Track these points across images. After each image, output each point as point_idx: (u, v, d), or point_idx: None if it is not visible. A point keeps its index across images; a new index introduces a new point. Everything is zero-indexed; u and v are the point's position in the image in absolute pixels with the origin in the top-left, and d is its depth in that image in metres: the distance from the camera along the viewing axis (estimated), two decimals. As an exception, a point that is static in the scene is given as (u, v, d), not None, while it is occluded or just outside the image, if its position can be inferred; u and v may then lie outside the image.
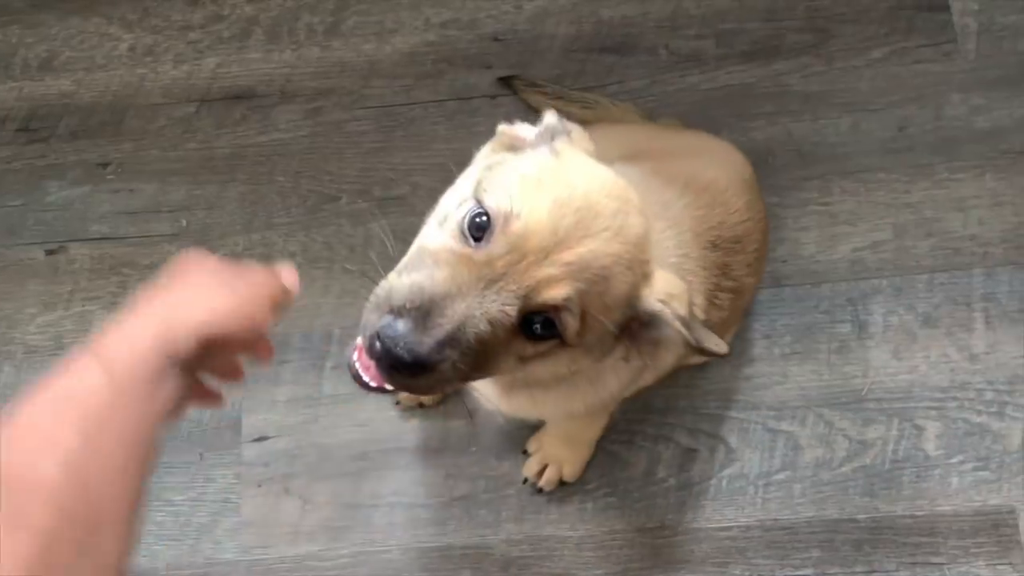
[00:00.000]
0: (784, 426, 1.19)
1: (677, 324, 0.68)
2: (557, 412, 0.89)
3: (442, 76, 1.38)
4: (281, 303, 0.66)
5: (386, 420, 1.22)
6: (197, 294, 0.62)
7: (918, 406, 1.19)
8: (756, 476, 1.17)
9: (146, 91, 1.41)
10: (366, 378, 0.65)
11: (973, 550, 1.13)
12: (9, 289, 1.33)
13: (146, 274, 1.32)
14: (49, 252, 1.34)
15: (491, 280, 0.61)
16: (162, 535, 1.20)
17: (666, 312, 0.68)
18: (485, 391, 0.87)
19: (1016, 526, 1.13)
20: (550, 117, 0.74)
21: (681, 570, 1.14)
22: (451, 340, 0.59)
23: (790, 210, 1.27)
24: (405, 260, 0.67)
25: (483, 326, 0.60)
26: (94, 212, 1.36)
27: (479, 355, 0.61)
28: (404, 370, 0.59)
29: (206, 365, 0.62)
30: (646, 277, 0.68)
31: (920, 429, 1.18)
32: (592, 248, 0.63)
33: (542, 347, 0.65)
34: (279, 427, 1.23)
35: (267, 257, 1.31)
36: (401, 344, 0.58)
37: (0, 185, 1.38)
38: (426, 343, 0.58)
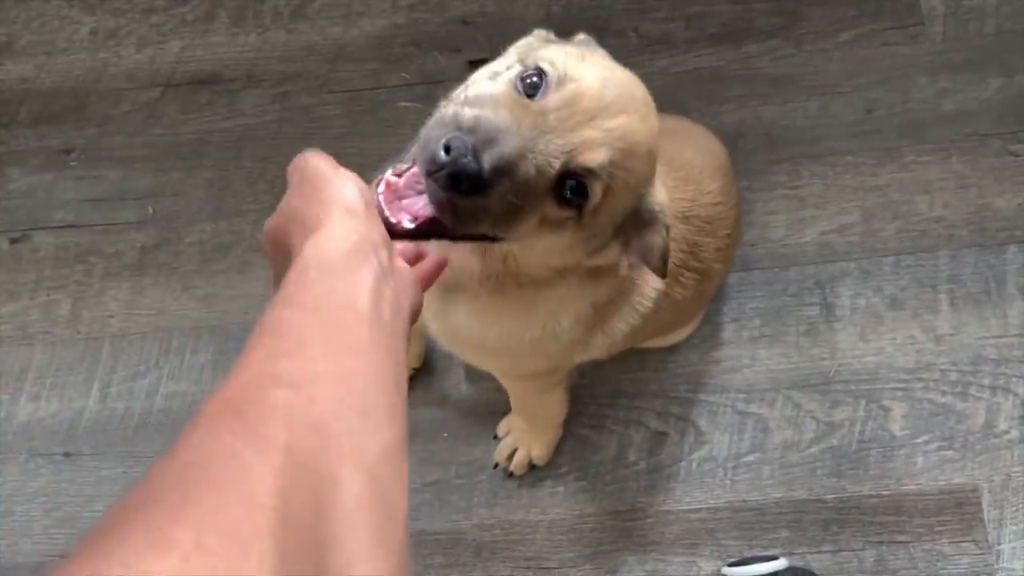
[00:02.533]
0: (753, 408, 1.20)
1: (664, 232, 0.72)
2: (500, 337, 0.85)
3: (411, 59, 1.37)
4: None
5: (357, 407, 1.22)
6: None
7: (884, 387, 1.20)
8: (725, 458, 1.18)
9: (109, 76, 1.39)
10: (388, 214, 0.62)
11: (937, 528, 1.15)
12: (-28, 278, 1.31)
13: (112, 262, 1.30)
14: (12, 241, 1.32)
15: (544, 130, 0.63)
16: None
17: (663, 216, 0.72)
18: (434, 305, 0.85)
19: (979, 504, 1.15)
20: (583, 36, 0.79)
21: (652, 552, 1.15)
22: (509, 168, 0.60)
23: (759, 193, 1.28)
24: (462, 96, 0.67)
25: (532, 169, 0.62)
26: (58, 200, 1.34)
27: (520, 197, 0.62)
28: (466, 183, 0.59)
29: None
30: (653, 179, 0.72)
31: (886, 410, 1.19)
32: (630, 121, 0.66)
33: (563, 214, 0.67)
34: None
35: (234, 245, 1.30)
36: (469, 155, 0.59)
37: (-40, 172, 1.36)
38: (490, 160, 0.60)
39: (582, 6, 1.38)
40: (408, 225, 0.61)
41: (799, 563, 1.12)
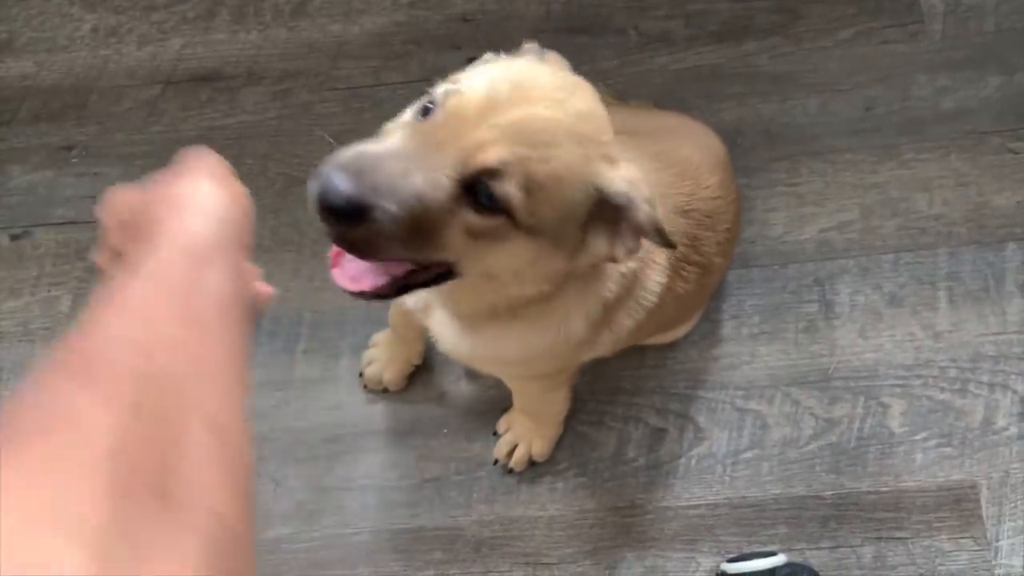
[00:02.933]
0: (752, 405, 1.20)
1: (645, 206, 0.69)
2: (518, 350, 0.86)
3: (411, 57, 1.37)
4: None
5: (357, 403, 1.22)
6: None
7: (883, 384, 1.20)
8: (724, 455, 1.19)
9: (110, 73, 1.39)
10: (340, 279, 0.66)
11: (936, 524, 1.15)
12: (-27, 275, 1.31)
13: (113, 259, 1.31)
14: (14, 237, 1.32)
15: (432, 146, 0.63)
16: (133, 521, 1.19)
17: (633, 190, 0.69)
18: (446, 331, 0.86)
19: (978, 501, 1.15)
20: (530, 44, 0.77)
21: (651, 548, 1.16)
22: (388, 190, 0.61)
23: (759, 191, 1.28)
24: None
25: (423, 187, 0.62)
26: (58, 196, 1.34)
27: (421, 217, 0.63)
28: (340, 214, 0.60)
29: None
30: (608, 160, 0.70)
31: (885, 407, 1.19)
32: (528, 111, 0.64)
33: (491, 221, 0.65)
34: (250, 411, 1.22)
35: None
36: (331, 186, 0.60)
37: (-38, 169, 1.36)
38: (355, 191, 0.60)
39: (582, 4, 1.38)
40: (363, 288, 0.65)
41: (798, 559, 1.13)
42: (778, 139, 1.31)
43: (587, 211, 0.69)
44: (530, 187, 0.64)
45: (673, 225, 0.88)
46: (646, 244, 0.74)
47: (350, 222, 0.61)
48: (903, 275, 1.24)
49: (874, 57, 1.33)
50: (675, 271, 0.89)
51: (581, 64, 1.33)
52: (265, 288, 0.61)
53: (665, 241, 0.73)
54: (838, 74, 1.33)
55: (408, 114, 0.69)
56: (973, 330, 1.22)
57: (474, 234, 0.66)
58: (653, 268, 0.86)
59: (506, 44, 1.34)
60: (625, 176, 0.70)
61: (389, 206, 0.61)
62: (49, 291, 1.30)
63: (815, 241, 1.26)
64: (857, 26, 1.35)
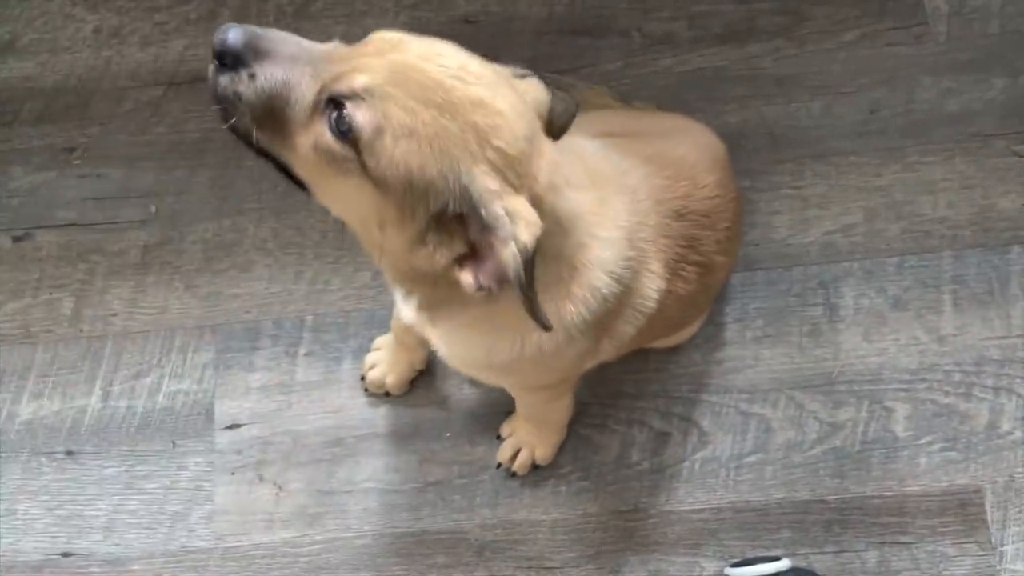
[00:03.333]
0: (756, 409, 1.20)
1: (512, 245, 0.64)
2: (485, 359, 0.85)
3: (414, 59, 1.37)
4: None
5: (359, 407, 1.22)
6: None
7: (888, 388, 1.20)
8: (728, 459, 1.18)
9: (112, 74, 1.39)
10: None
11: (940, 529, 1.14)
12: (-26, 277, 1.31)
13: (114, 261, 1.30)
14: (15, 239, 1.32)
15: (330, 58, 0.66)
16: (135, 523, 1.19)
17: (505, 221, 0.64)
18: (441, 343, 0.87)
19: (982, 505, 1.15)
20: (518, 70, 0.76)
21: (654, 552, 1.15)
22: (266, 62, 0.65)
23: (762, 194, 1.28)
24: None
25: (294, 75, 0.65)
26: (61, 198, 1.34)
27: (279, 106, 0.66)
28: (218, 56, 0.66)
29: None
30: (498, 175, 0.65)
31: (889, 411, 1.19)
32: (421, 64, 0.65)
33: (337, 146, 0.65)
34: (252, 414, 1.22)
35: (237, 244, 1.30)
36: (231, 33, 0.66)
37: (-37, 171, 1.36)
38: (248, 44, 0.65)
39: (585, 5, 1.38)
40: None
41: (801, 564, 1.12)
42: (782, 142, 1.30)
43: (445, 206, 0.66)
44: (383, 129, 0.64)
45: (669, 230, 0.87)
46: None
47: (222, 70, 0.66)
48: (907, 278, 1.24)
49: (878, 59, 1.33)
50: (674, 273, 0.89)
51: (584, 66, 1.35)
52: None
53: (529, 304, 0.67)
54: (842, 76, 1.32)
55: None
56: (978, 334, 1.21)
57: (321, 154, 0.66)
58: (648, 276, 0.85)
59: (509, 46, 1.35)
60: (511, 206, 0.65)
61: (257, 73, 0.65)
62: (51, 293, 1.29)
63: (819, 244, 1.26)
64: (861, 28, 1.34)
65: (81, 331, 1.28)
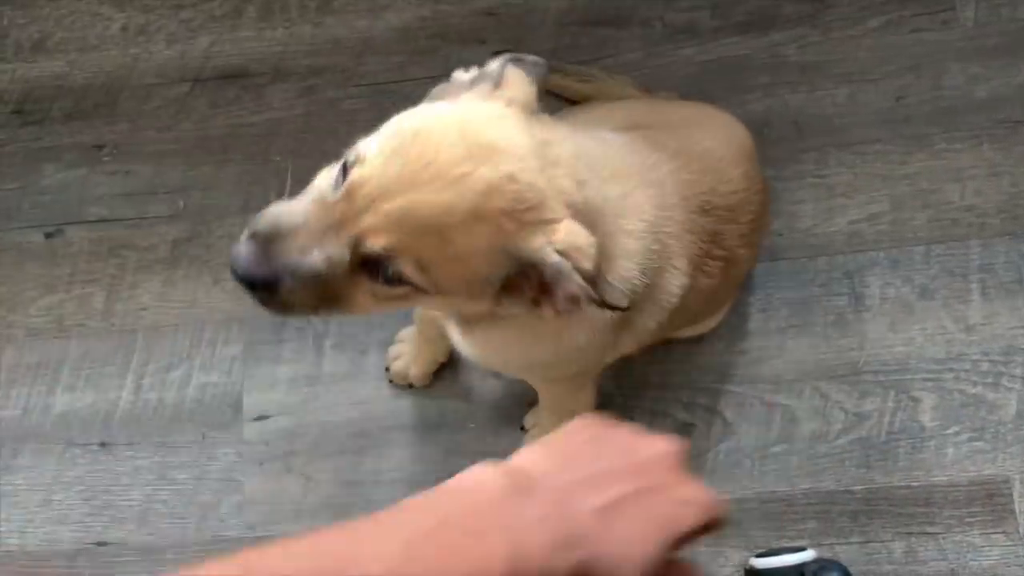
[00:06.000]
0: (781, 399, 1.19)
1: (576, 277, 0.66)
2: (522, 359, 0.87)
3: (436, 52, 1.37)
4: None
5: (385, 398, 1.23)
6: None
7: (914, 378, 1.19)
8: (753, 449, 1.18)
9: (139, 71, 1.41)
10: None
11: (968, 519, 1.14)
12: (8, 272, 1.34)
13: (144, 256, 1.32)
14: (47, 235, 1.35)
15: (331, 225, 0.65)
16: (167, 513, 1.21)
17: (563, 264, 0.66)
18: (460, 338, 0.87)
19: (1010, 495, 1.14)
20: (493, 63, 0.73)
21: (679, 542, 1.15)
22: (288, 270, 0.66)
23: (786, 183, 1.27)
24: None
25: (320, 264, 0.66)
26: (91, 194, 1.36)
27: (324, 288, 0.67)
28: (251, 286, 0.67)
29: None
30: (540, 224, 0.66)
31: (916, 401, 1.18)
32: (414, 199, 0.64)
33: (399, 290, 0.68)
34: (280, 406, 1.24)
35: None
36: (241, 264, 0.66)
37: (-4, 168, 1.39)
38: (261, 268, 0.66)
39: (607, -4, 1.37)
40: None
41: (827, 554, 1.12)
42: (806, 130, 1.29)
43: (508, 272, 0.68)
44: (426, 266, 0.65)
45: (694, 226, 0.87)
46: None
47: (260, 292, 0.67)
48: (934, 267, 1.23)
49: (904, 46, 1.31)
50: (697, 268, 0.88)
51: (605, 57, 1.34)
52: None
53: (609, 308, 0.70)
54: (868, 63, 1.31)
55: (330, 173, 0.70)
56: (1006, 323, 1.20)
57: (381, 299, 0.69)
58: (672, 272, 0.85)
59: (531, 37, 1.35)
60: (561, 243, 0.66)
61: (291, 281, 0.66)
62: (83, 288, 1.32)
63: (844, 233, 1.25)
64: (887, 14, 1.33)
65: (112, 325, 1.30)
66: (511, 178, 0.65)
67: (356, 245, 0.65)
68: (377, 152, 0.66)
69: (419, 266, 0.65)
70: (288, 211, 0.67)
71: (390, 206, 0.64)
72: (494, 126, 0.68)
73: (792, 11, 1.34)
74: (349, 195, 0.65)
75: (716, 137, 0.98)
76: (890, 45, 1.31)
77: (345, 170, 0.67)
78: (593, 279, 0.67)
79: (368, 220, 0.64)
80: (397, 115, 0.72)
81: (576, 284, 0.67)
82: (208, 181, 1.35)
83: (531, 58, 0.74)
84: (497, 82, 0.72)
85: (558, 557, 0.44)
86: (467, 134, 0.66)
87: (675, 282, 0.85)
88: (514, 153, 0.67)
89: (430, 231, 0.64)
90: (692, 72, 1.32)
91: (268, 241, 0.66)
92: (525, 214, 0.66)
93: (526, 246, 0.66)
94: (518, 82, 0.72)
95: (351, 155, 0.68)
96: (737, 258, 0.95)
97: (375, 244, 0.65)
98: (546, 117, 0.73)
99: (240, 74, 1.39)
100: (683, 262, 0.86)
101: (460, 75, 0.75)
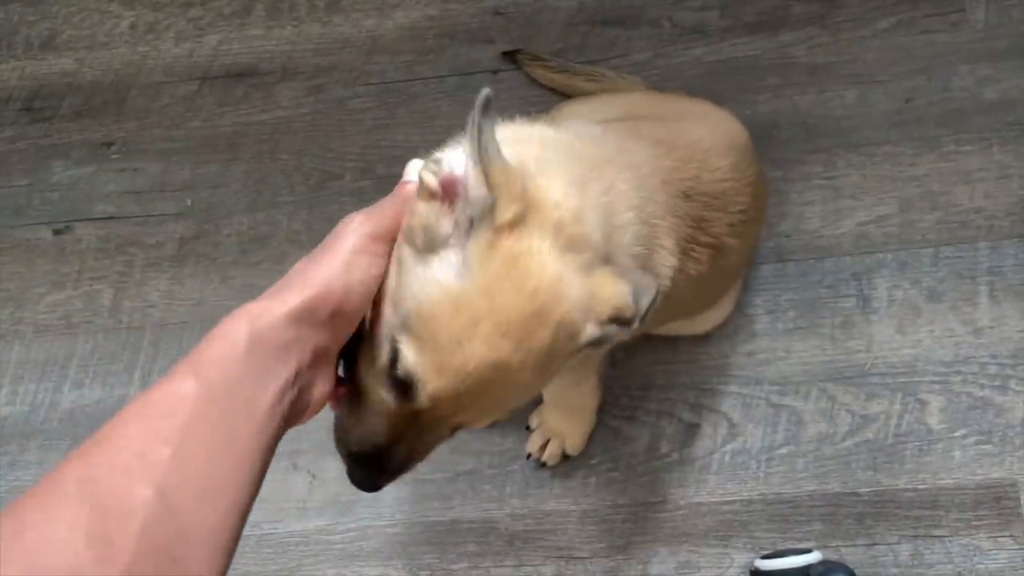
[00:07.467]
0: (787, 401, 1.19)
1: (625, 333, 0.66)
2: None
3: (444, 51, 1.37)
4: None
5: (391, 397, 1.23)
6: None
7: (922, 380, 1.19)
8: (759, 450, 1.18)
9: (148, 69, 1.41)
10: None
11: (975, 523, 1.13)
12: (17, 269, 1.34)
13: (152, 253, 1.33)
14: (56, 232, 1.35)
15: (422, 429, 0.67)
16: (173, 510, 1.22)
17: (616, 333, 0.66)
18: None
19: (1017, 499, 1.13)
20: (486, 91, 0.60)
21: (684, 543, 1.15)
22: (403, 469, 0.69)
23: (794, 184, 1.27)
24: (351, 404, 0.69)
25: (423, 455, 0.70)
26: (99, 192, 1.36)
27: (418, 457, 0.70)
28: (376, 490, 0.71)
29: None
30: (583, 314, 0.64)
31: (923, 403, 1.18)
32: (500, 396, 0.65)
33: None
34: (286, 404, 1.24)
35: (271, 237, 1.32)
36: (368, 488, 0.70)
37: (5, 165, 1.39)
38: (382, 480, 0.69)
39: (616, -5, 1.37)
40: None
41: (833, 556, 1.12)
42: (815, 131, 1.29)
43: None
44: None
45: (678, 209, 0.87)
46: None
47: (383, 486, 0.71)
48: (943, 269, 1.22)
49: (914, 47, 1.31)
50: (685, 253, 0.88)
51: (614, 57, 1.34)
52: (322, 394, 0.62)
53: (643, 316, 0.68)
54: (877, 65, 1.31)
55: (381, 351, 0.65)
56: (1015, 326, 1.19)
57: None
58: (661, 252, 0.84)
59: (539, 37, 1.35)
60: (609, 309, 0.65)
61: (407, 471, 0.70)
62: (91, 285, 1.32)
63: (852, 235, 1.24)
64: (897, 15, 1.32)
65: (120, 322, 1.30)
66: (564, 321, 0.63)
67: (456, 427, 0.68)
68: (439, 372, 0.62)
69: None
70: (371, 431, 0.67)
71: (481, 405, 0.65)
72: (544, 278, 0.63)
73: (802, 11, 1.34)
74: (433, 407, 0.64)
75: (706, 129, 0.98)
76: (900, 46, 1.31)
77: (393, 378, 0.64)
78: (642, 317, 0.66)
79: (461, 418, 0.66)
80: (416, 287, 0.63)
81: (627, 332, 0.67)
82: (216, 179, 1.35)
83: (475, 111, 0.60)
84: (484, 211, 0.62)
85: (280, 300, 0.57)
86: (527, 310, 0.62)
87: (666, 263, 0.85)
88: (563, 293, 0.63)
89: (519, 395, 0.67)
90: (701, 72, 1.32)
91: (376, 457, 0.68)
92: (574, 326, 0.64)
93: (583, 342, 0.65)
94: (610, 285, 0.66)
95: (391, 361, 0.64)
96: (725, 247, 0.94)
97: (479, 426, 0.69)
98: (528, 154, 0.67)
99: (248, 72, 1.39)
100: (671, 242, 0.85)
101: (431, 179, 0.67)
